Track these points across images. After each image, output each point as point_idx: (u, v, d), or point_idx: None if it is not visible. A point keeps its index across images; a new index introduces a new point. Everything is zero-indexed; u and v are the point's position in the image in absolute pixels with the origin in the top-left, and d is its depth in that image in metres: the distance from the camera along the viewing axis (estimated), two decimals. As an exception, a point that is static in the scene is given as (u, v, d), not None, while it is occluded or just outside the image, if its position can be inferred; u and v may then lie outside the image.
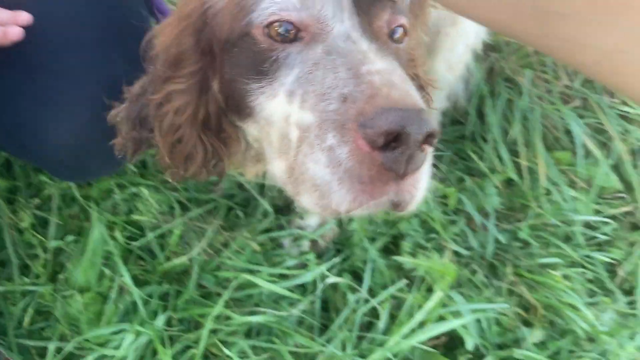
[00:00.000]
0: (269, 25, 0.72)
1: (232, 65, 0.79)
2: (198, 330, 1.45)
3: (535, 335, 1.77)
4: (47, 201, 1.58)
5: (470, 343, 1.67)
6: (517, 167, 1.98)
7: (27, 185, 1.63)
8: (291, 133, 0.71)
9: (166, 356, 1.36)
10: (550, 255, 1.88)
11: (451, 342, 1.72)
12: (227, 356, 1.43)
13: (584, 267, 1.91)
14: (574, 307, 1.75)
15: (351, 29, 0.72)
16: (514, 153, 1.98)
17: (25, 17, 0.97)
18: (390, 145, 0.60)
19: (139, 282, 1.49)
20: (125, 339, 1.36)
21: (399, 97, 0.62)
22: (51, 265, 1.54)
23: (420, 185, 0.69)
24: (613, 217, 2.04)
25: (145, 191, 1.50)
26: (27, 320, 1.49)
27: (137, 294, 1.44)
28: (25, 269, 1.57)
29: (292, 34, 0.73)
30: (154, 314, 1.45)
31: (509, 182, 2.01)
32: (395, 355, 1.51)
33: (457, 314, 1.70)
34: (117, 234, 1.50)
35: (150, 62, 0.88)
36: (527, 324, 1.81)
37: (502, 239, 1.92)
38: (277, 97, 0.74)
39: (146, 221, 1.52)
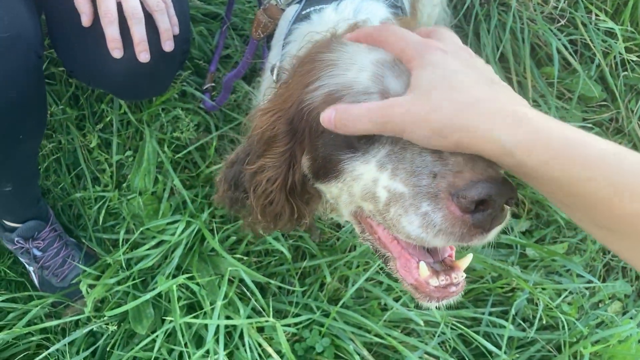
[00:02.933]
0: None
1: (327, 145, 0.92)
2: (236, 222, 1.80)
3: (522, 225, 2.07)
4: (108, 125, 1.94)
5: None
6: (510, 82, 2.23)
7: (92, 113, 1.99)
8: (379, 193, 0.85)
9: (213, 240, 1.72)
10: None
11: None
12: (266, 241, 1.78)
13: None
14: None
15: None
16: (507, 70, 2.23)
17: None
18: (479, 209, 0.73)
19: (186, 186, 1.85)
20: (179, 227, 1.73)
21: (482, 169, 0.74)
22: (115, 176, 1.91)
23: (497, 230, 0.81)
24: (600, 125, 2.28)
25: (182, 112, 1.84)
26: (100, 219, 1.87)
27: (185, 193, 1.80)
28: (96, 181, 1.95)
29: None
30: (200, 210, 1.81)
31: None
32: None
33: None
34: (166, 149, 1.86)
35: (247, 138, 1.08)
36: (516, 217, 2.10)
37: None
38: (369, 164, 0.87)
39: (186, 137, 1.86)
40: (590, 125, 2.22)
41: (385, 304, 1.79)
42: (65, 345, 1.66)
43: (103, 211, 1.87)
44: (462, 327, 1.77)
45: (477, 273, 1.91)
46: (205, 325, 1.62)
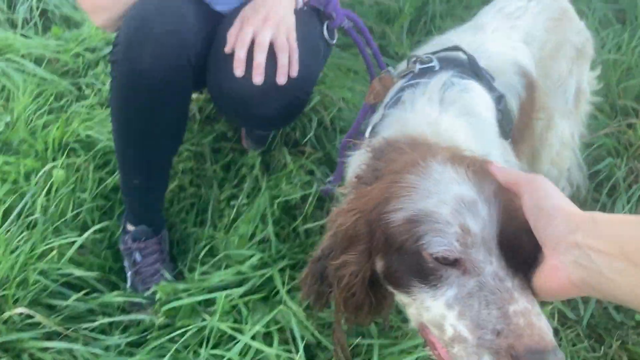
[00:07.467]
0: (436, 255, 0.96)
1: (400, 263, 1.03)
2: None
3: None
4: (241, 183, 2.25)
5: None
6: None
7: (235, 176, 2.33)
8: (446, 328, 0.97)
9: (283, 289, 1.78)
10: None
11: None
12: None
13: None
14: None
15: (498, 268, 0.94)
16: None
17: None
18: None
19: (279, 239, 1.99)
20: (252, 260, 1.85)
21: (539, 338, 0.86)
22: (230, 221, 2.13)
23: None
24: None
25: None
26: (202, 253, 2.06)
27: (274, 244, 1.93)
28: (213, 226, 2.20)
29: (453, 260, 0.96)
30: (277, 257, 1.91)
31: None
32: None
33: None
34: (275, 206, 2.06)
35: (330, 235, 1.17)
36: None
37: (616, 316, 1.96)
38: (438, 301, 0.98)
39: (294, 195, 2.07)
40: None
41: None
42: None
43: (206, 248, 2.07)
44: None
45: None
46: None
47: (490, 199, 0.98)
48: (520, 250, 0.95)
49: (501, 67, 1.51)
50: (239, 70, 1.65)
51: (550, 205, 0.88)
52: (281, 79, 1.67)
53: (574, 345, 1.88)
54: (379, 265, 1.10)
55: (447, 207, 0.96)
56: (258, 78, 1.64)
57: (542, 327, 0.88)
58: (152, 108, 1.69)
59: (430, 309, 1.00)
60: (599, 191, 2.31)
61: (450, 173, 1.02)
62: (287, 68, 1.68)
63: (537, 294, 0.93)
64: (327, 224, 1.20)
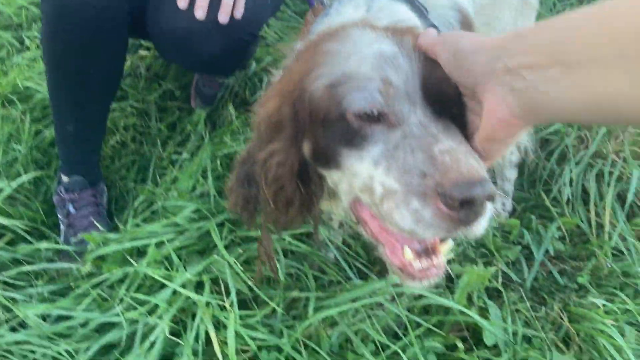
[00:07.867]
0: (359, 113, 0.92)
1: (327, 135, 0.98)
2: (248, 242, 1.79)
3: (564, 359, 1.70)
4: (185, 142, 2.17)
5: (490, 339, 1.70)
6: (587, 218, 2.04)
7: (180, 133, 2.25)
8: (375, 188, 0.92)
9: (219, 241, 1.71)
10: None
11: (475, 340, 1.75)
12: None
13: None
14: (612, 339, 1.67)
15: (422, 117, 0.91)
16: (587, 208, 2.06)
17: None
18: (463, 206, 0.81)
19: (219, 193, 1.92)
20: (185, 211, 1.78)
21: (466, 171, 0.81)
22: (172, 179, 2.06)
23: (482, 224, 0.87)
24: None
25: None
26: (139, 208, 1.98)
27: (212, 195, 1.86)
28: (155, 183, 2.12)
29: (377, 116, 0.92)
30: (217, 211, 1.84)
31: (579, 232, 2.06)
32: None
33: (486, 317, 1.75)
34: (218, 163, 1.99)
35: (255, 128, 1.12)
36: (561, 352, 1.74)
37: (560, 280, 1.94)
38: (364, 162, 0.94)
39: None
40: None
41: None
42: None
43: (145, 203, 1.99)
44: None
45: None
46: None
47: (411, 53, 0.94)
48: (445, 100, 0.92)
49: (435, 1, 1.46)
50: (183, 2, 1.58)
51: (467, 44, 0.85)
52: (222, 17, 1.61)
53: (514, 303, 1.85)
54: (307, 148, 1.05)
55: (367, 64, 0.93)
56: (200, 12, 1.58)
57: (470, 161, 0.83)
58: (84, 44, 1.61)
59: (359, 173, 0.95)
60: (548, 159, 2.30)
61: (369, 35, 0.99)
62: (231, 7, 1.62)
63: (485, 147, 0.89)
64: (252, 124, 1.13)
